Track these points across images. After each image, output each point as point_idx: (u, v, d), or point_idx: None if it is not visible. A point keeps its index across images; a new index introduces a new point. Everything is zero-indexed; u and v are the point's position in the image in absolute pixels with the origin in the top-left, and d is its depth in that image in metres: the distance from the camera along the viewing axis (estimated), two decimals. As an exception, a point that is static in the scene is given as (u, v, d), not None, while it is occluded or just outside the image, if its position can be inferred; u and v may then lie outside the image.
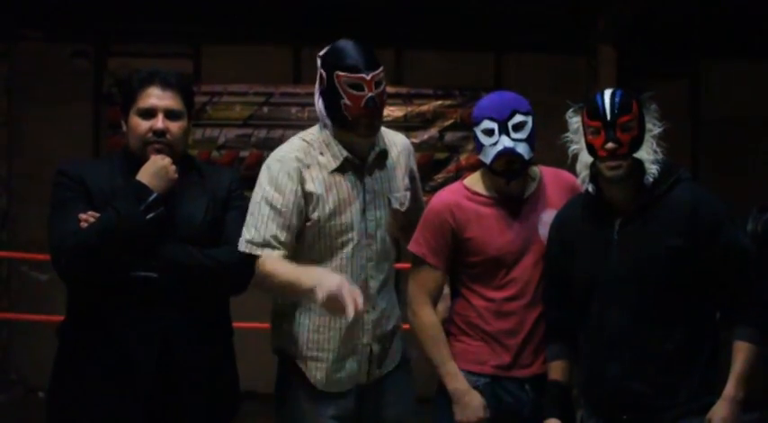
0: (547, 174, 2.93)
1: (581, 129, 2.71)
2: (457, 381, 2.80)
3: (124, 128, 2.67)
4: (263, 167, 2.81)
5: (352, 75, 2.72)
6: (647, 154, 2.64)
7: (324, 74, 2.77)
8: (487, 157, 2.79)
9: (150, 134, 2.61)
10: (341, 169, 2.79)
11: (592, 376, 2.72)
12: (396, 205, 2.88)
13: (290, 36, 6.59)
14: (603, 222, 2.70)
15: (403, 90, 6.79)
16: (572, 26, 6.61)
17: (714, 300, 2.70)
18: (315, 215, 2.77)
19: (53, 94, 6.76)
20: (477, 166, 2.98)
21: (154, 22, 6.70)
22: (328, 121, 2.80)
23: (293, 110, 6.63)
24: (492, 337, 2.82)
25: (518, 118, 2.79)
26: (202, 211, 2.65)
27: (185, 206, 2.63)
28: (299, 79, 6.69)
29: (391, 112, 6.66)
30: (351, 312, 2.49)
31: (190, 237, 2.61)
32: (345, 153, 2.79)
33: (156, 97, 2.62)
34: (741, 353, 2.62)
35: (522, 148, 2.78)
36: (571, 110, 2.76)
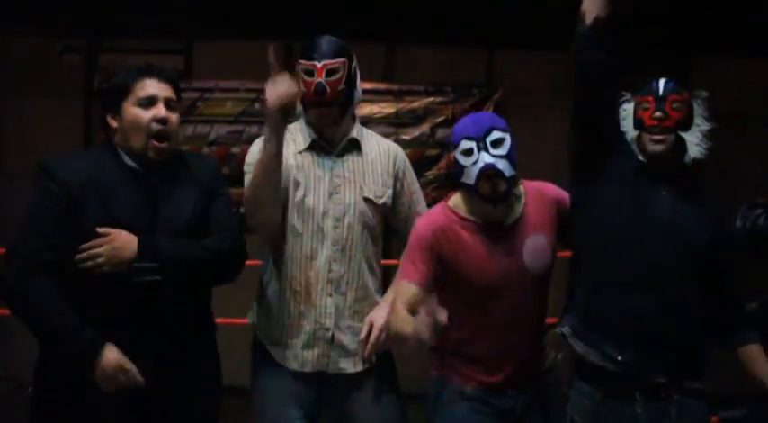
0: (530, 191, 2.90)
1: (630, 115, 2.80)
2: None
3: (114, 124, 2.64)
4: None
5: (306, 62, 2.90)
6: (693, 138, 2.76)
7: (297, 65, 2.94)
8: (470, 177, 2.76)
9: (153, 123, 2.60)
10: (310, 150, 2.93)
11: (605, 312, 2.71)
12: (368, 195, 2.94)
13: (282, 32, 6.58)
14: (649, 187, 2.76)
15: (394, 87, 6.78)
16: (563, 23, 6.61)
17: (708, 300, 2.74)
18: (286, 189, 2.87)
19: (44, 89, 6.74)
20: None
21: (145, 18, 6.68)
22: (300, 109, 2.95)
23: (286, 106, 6.64)
24: (481, 360, 2.81)
25: (496, 134, 2.78)
26: (192, 205, 2.65)
27: (175, 201, 2.63)
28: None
29: (382, 108, 6.66)
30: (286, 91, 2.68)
31: (180, 231, 2.61)
32: (314, 136, 2.93)
33: (155, 87, 2.63)
34: (761, 353, 2.76)
35: (503, 165, 2.75)
36: (624, 99, 2.85)
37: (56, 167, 2.60)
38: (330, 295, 2.89)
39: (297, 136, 2.96)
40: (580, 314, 2.77)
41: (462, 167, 2.79)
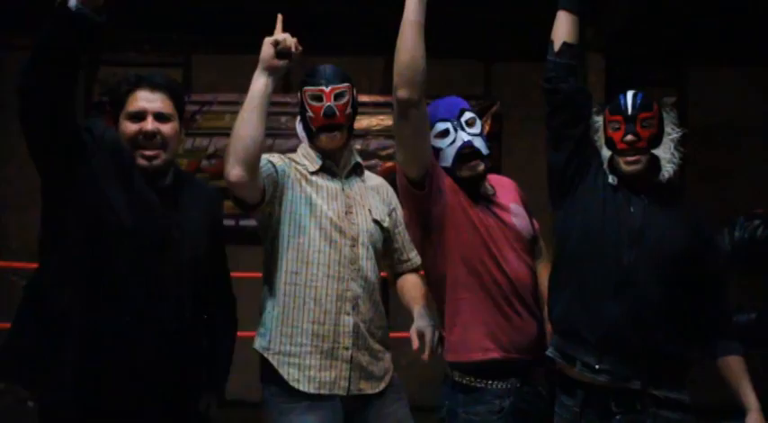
0: (491, 178, 2.95)
1: (602, 128, 2.80)
2: None
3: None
4: None
5: (313, 88, 2.93)
6: (665, 153, 2.73)
7: (299, 94, 2.97)
8: (447, 159, 2.80)
9: (140, 136, 2.55)
10: (320, 172, 2.94)
11: (584, 318, 2.70)
12: (376, 217, 2.98)
13: (280, 45, 6.61)
14: (627, 198, 2.76)
15: (392, 99, 6.79)
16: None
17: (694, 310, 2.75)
18: (303, 205, 2.88)
19: (43, 103, 6.75)
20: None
21: (144, 32, 6.71)
22: (305, 138, 2.99)
23: (283, 119, 6.65)
24: (490, 323, 2.74)
25: (468, 114, 2.84)
26: (206, 232, 2.66)
27: (190, 225, 2.62)
28: (288, 88, 6.71)
29: (381, 121, 6.67)
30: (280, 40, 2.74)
31: (196, 257, 2.61)
32: (322, 160, 2.95)
33: (144, 100, 2.58)
34: (742, 366, 2.73)
35: (480, 143, 2.80)
36: (594, 110, 2.83)
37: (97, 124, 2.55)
38: (348, 314, 2.87)
39: (304, 160, 2.97)
40: (558, 328, 2.78)
41: (438, 151, 2.80)
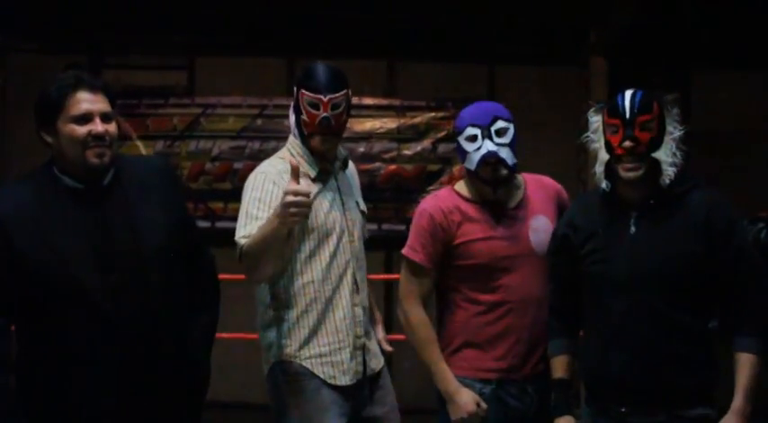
0: (530, 181, 3.02)
1: (600, 128, 2.72)
2: (447, 382, 2.85)
3: (48, 139, 2.55)
4: (248, 179, 2.95)
5: (312, 94, 2.94)
6: (666, 155, 2.65)
7: (295, 90, 3.01)
8: (472, 163, 2.86)
9: (89, 138, 2.50)
10: (319, 176, 2.98)
11: (595, 367, 2.73)
12: (362, 207, 3.10)
13: (284, 48, 6.60)
14: (619, 216, 2.71)
15: (396, 102, 6.80)
16: (564, 38, 6.64)
17: (713, 307, 2.71)
18: (310, 217, 2.86)
19: (47, 105, 6.75)
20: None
21: (148, 35, 6.71)
22: (296, 133, 3.02)
23: (287, 122, 6.61)
24: (484, 341, 2.85)
25: (500, 124, 2.87)
26: (165, 214, 2.60)
27: (145, 215, 2.57)
28: (292, 91, 6.70)
29: (384, 123, 6.68)
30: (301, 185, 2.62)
31: (161, 246, 2.56)
32: (319, 165, 2.98)
33: (88, 102, 2.53)
34: (746, 365, 2.62)
35: (506, 153, 2.84)
36: (592, 109, 2.78)
37: None
38: (356, 305, 2.99)
39: (304, 164, 2.97)
40: (584, 381, 2.84)
41: (465, 153, 2.89)
